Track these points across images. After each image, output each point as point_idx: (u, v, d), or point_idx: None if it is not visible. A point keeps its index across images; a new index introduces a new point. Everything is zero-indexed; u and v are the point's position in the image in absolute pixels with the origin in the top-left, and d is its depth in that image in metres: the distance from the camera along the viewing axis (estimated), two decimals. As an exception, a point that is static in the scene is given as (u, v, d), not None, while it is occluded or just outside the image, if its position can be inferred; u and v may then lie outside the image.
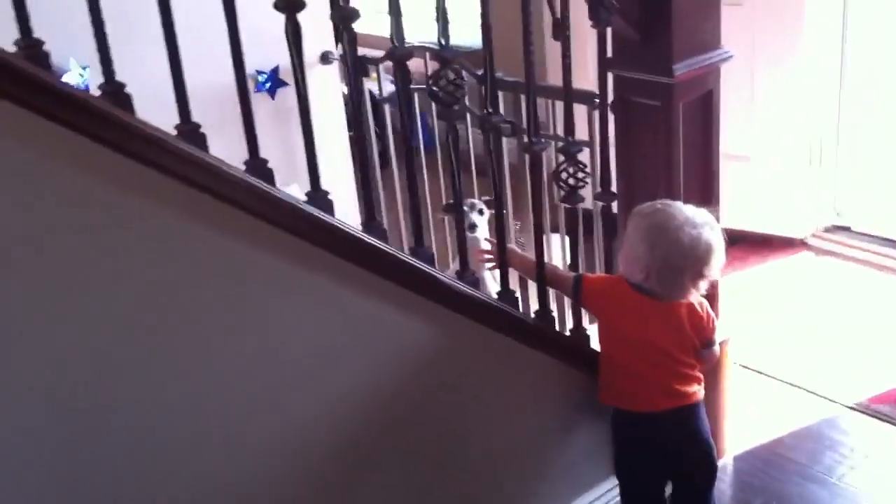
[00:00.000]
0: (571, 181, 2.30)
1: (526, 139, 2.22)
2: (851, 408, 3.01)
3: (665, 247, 2.07)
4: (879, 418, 2.94)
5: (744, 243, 4.09)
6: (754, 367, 3.26)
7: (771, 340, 3.44)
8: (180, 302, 1.74)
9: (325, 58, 3.44)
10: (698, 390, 2.26)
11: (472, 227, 2.70)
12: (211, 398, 1.83)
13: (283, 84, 3.30)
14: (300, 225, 1.83)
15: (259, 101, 3.29)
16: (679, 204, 2.13)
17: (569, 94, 2.24)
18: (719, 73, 2.43)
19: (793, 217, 4.09)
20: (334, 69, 3.51)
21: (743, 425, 2.91)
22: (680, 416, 2.24)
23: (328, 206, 1.92)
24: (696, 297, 2.17)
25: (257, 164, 1.82)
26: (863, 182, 4.05)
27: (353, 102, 1.97)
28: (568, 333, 2.45)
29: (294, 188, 3.36)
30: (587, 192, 2.37)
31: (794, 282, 3.89)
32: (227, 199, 1.72)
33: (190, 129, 1.71)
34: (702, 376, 2.28)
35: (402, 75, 2.00)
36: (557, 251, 3.24)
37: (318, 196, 1.92)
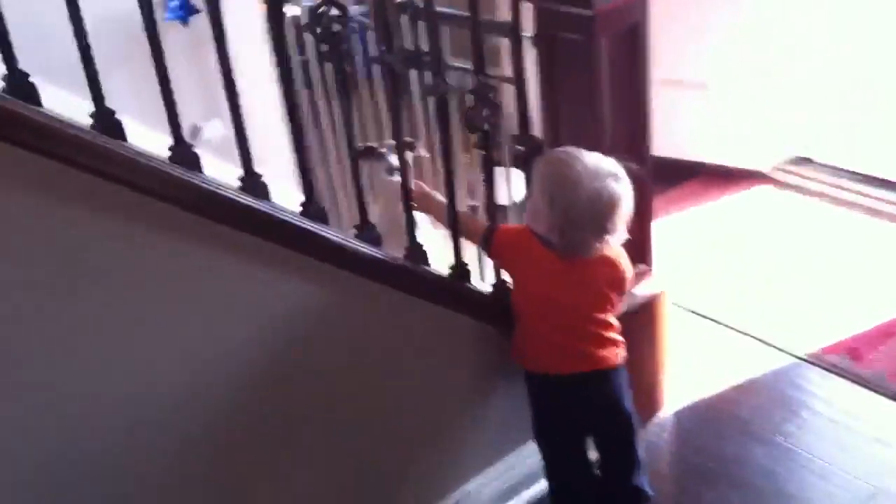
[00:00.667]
0: (486, 126, 2.09)
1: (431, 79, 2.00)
2: (802, 359, 2.83)
3: (563, 201, 1.88)
4: (829, 370, 2.77)
5: (702, 175, 3.91)
6: (703, 312, 3.08)
7: (723, 283, 3.26)
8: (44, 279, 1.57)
9: (241, -18, 3.17)
10: (617, 353, 2.09)
11: (392, 170, 2.48)
12: (87, 375, 1.67)
13: (196, 11, 3.04)
14: (161, 187, 1.63)
15: (170, 32, 3.05)
16: (583, 153, 1.93)
17: (476, 25, 2.01)
18: (646, 3, 2.20)
19: (753, 148, 3.86)
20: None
21: (687, 377, 2.74)
22: (594, 381, 2.08)
23: (192, 162, 1.71)
24: (610, 249, 1.97)
25: (104, 117, 1.59)
26: (828, 111, 3.80)
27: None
28: (490, 287, 2.26)
29: (216, 123, 3.13)
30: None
31: (752, 218, 3.68)
32: (71, 162, 1.52)
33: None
34: (621, 339, 2.10)
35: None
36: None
37: (180, 150, 1.70)
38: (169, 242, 1.69)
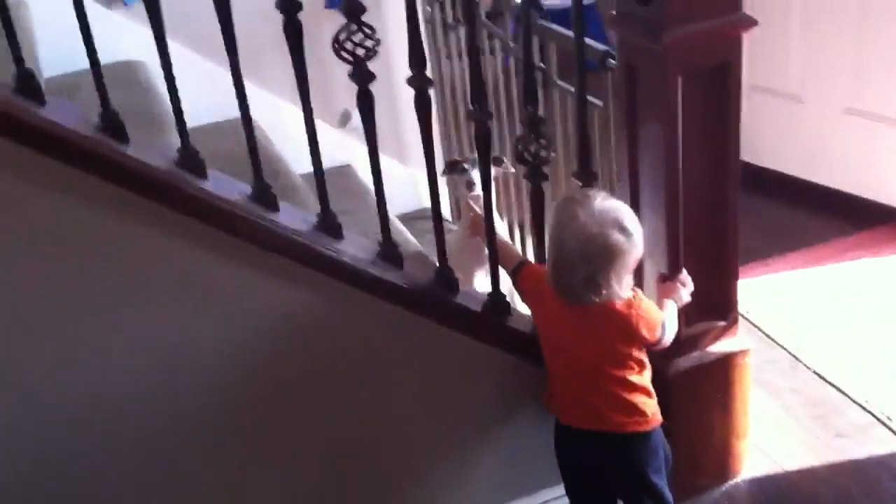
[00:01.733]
0: (531, 158, 2.03)
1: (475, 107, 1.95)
2: (917, 446, 2.52)
3: (556, 241, 1.80)
4: (945, 468, 2.44)
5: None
6: (825, 373, 2.79)
7: (857, 345, 2.91)
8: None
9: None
10: (639, 420, 1.94)
11: (471, 185, 2.46)
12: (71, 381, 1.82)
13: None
14: (158, 191, 1.73)
15: (330, 19, 3.14)
16: (597, 197, 1.82)
17: (528, 50, 1.95)
18: (739, 42, 2.00)
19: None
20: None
21: (778, 441, 2.54)
22: (606, 443, 1.96)
23: (198, 166, 1.78)
24: (619, 298, 1.84)
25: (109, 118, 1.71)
26: None
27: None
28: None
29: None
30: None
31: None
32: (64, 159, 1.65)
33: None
34: (648, 402, 1.96)
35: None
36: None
37: (187, 155, 1.78)
38: (172, 246, 1.80)
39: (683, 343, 2.24)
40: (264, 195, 1.84)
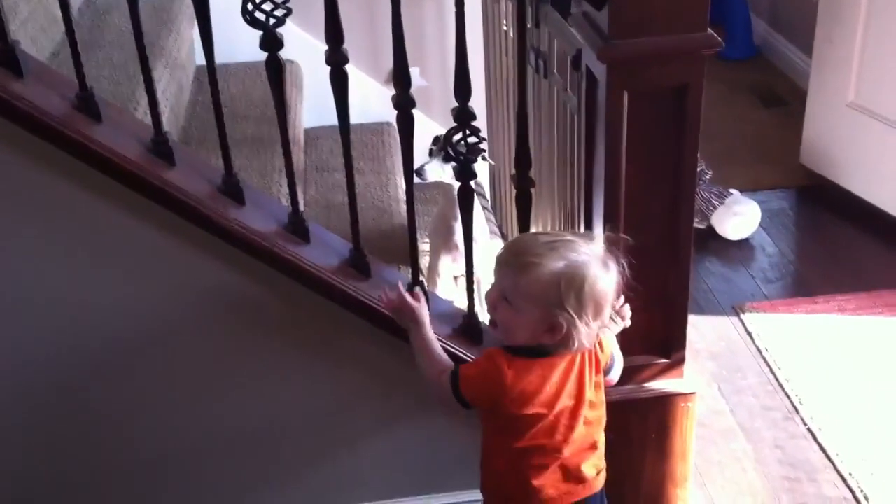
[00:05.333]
0: (462, 153, 1.92)
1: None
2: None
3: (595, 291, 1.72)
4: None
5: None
6: (820, 433, 2.55)
7: (882, 413, 2.64)
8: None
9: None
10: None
11: (419, 172, 2.36)
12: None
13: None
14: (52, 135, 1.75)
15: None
16: (577, 238, 1.71)
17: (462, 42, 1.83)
18: (701, 63, 1.81)
19: None
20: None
21: (732, 499, 2.38)
22: None
23: (92, 109, 1.79)
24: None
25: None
26: None
27: None
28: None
29: (414, 72, 3.17)
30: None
31: None
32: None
33: None
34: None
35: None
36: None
37: (84, 98, 1.79)
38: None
39: (615, 373, 2.10)
40: (161, 149, 1.82)
